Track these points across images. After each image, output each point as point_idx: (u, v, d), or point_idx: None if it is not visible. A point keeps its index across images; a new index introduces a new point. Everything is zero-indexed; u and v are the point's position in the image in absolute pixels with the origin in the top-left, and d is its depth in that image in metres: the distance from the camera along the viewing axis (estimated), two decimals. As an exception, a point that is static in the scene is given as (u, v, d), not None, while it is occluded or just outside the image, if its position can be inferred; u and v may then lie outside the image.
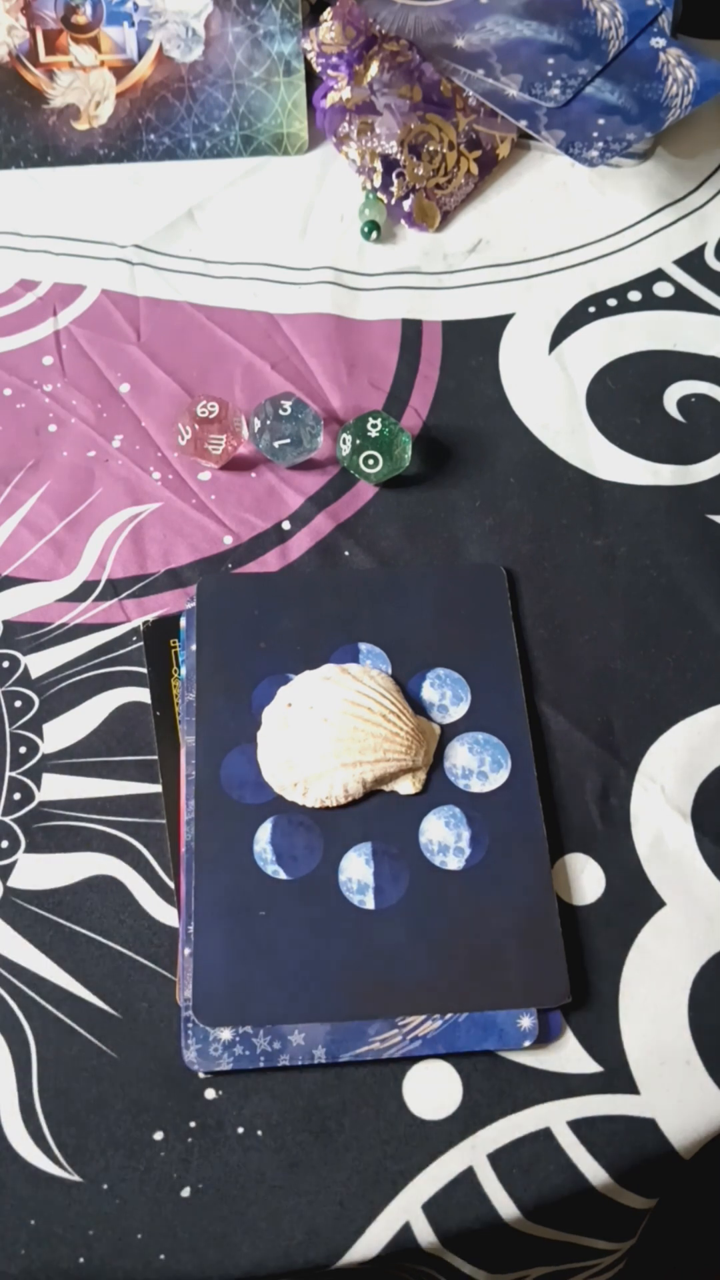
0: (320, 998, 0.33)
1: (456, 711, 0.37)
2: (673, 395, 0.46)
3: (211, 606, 0.40)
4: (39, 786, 0.37)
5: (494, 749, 0.37)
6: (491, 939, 0.34)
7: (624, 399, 0.46)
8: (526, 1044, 0.32)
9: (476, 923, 0.34)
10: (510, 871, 0.35)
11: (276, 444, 0.43)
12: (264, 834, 0.36)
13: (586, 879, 0.35)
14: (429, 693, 0.38)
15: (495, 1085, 0.32)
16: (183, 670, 0.39)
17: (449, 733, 0.37)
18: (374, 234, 0.51)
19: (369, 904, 0.34)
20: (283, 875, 0.35)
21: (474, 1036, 0.32)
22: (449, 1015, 0.33)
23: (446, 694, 0.38)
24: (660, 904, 0.35)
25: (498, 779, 0.36)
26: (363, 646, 0.39)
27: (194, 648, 0.39)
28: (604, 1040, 0.33)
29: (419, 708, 0.38)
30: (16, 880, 0.35)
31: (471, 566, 0.41)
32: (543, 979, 0.33)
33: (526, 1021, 0.33)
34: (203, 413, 0.43)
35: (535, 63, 0.52)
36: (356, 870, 0.35)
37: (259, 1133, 0.32)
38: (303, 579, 0.41)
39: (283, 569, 0.42)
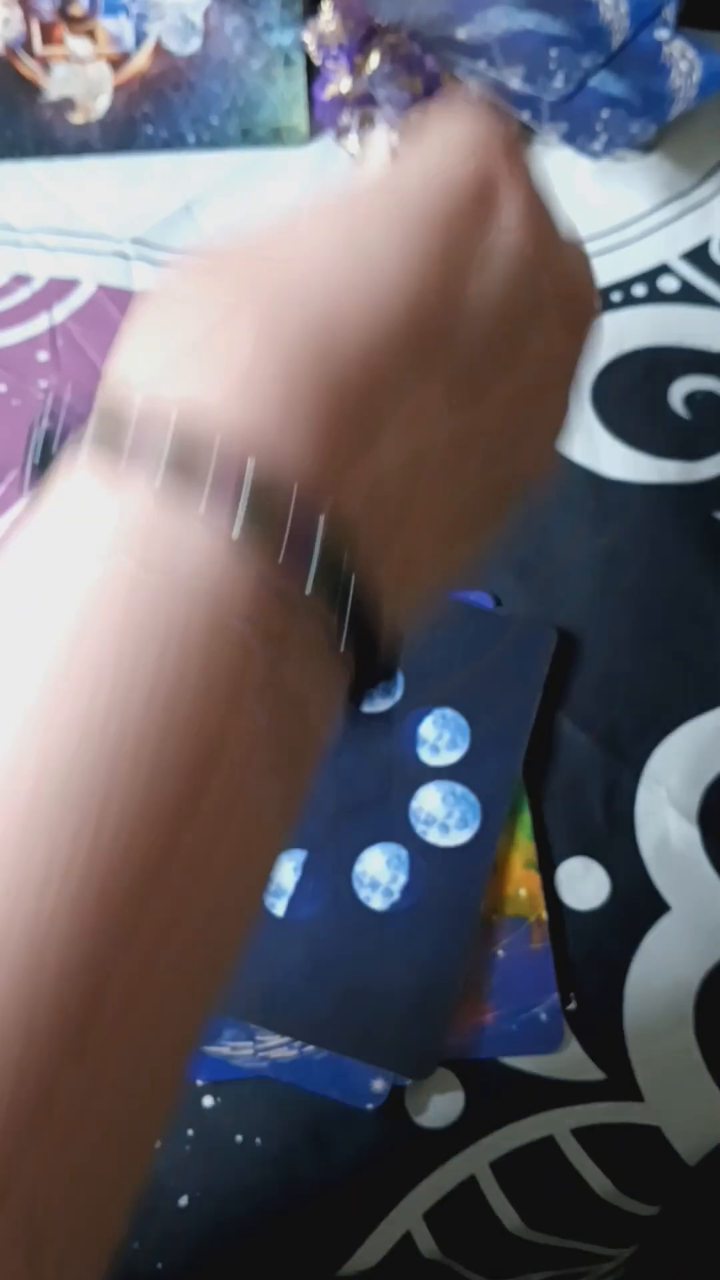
0: None
1: (447, 757, 0.36)
2: (678, 391, 0.46)
3: None
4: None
5: (467, 807, 0.36)
6: (381, 990, 0.33)
7: (629, 395, 0.46)
8: (369, 1106, 0.31)
9: (374, 968, 0.33)
10: (429, 933, 0.34)
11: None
12: None
13: (590, 883, 0.35)
14: (427, 729, 0.37)
15: (498, 1093, 0.32)
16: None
17: (430, 774, 0.36)
18: (374, 228, 0.51)
19: (278, 910, 0.34)
20: None
21: (322, 1080, 0.32)
22: (307, 1048, 0.32)
23: (445, 736, 0.37)
24: (665, 908, 0.34)
25: (459, 837, 0.35)
26: None
27: None
28: (608, 1047, 0.32)
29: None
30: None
31: (522, 620, 0.39)
32: (412, 1048, 0.32)
33: (379, 1085, 0.32)
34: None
35: (538, 55, 0.52)
36: (281, 874, 0.34)
37: (258, 1140, 0.31)
38: None
39: None
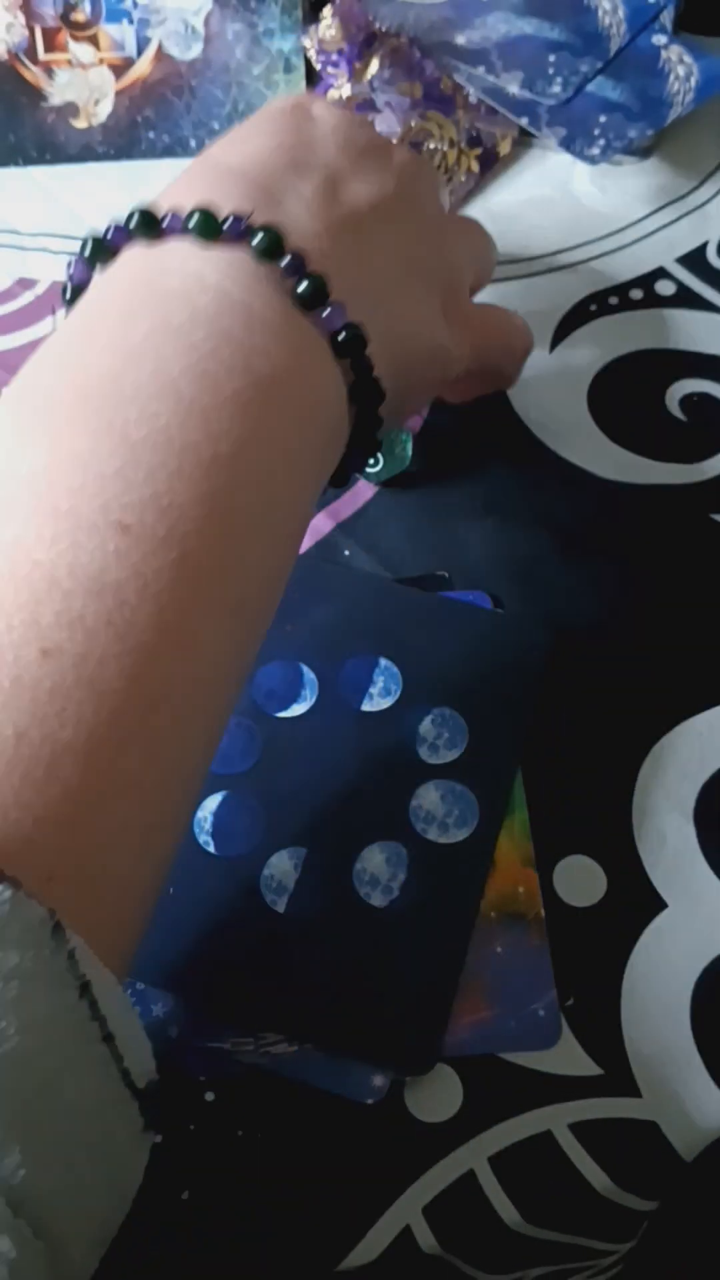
0: (190, 974, 0.33)
1: (446, 755, 0.37)
2: (675, 394, 0.46)
3: None
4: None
5: (466, 805, 0.36)
6: (381, 987, 0.33)
7: (626, 398, 0.46)
8: (369, 1101, 0.32)
9: (374, 965, 0.33)
10: (428, 930, 0.34)
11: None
12: (212, 803, 0.35)
13: (587, 880, 0.35)
14: (427, 728, 0.37)
15: (496, 1088, 0.32)
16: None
17: (429, 773, 0.36)
18: (374, 232, 0.51)
19: (279, 906, 0.34)
20: (211, 849, 0.35)
21: (323, 1076, 0.32)
22: (307, 1044, 0.32)
23: (444, 736, 0.37)
24: (662, 905, 0.35)
25: (458, 835, 0.35)
26: (382, 662, 0.38)
27: None
28: (605, 1043, 0.33)
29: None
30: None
31: (522, 620, 0.40)
32: (412, 1045, 0.32)
33: (379, 1080, 0.32)
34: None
35: (536, 59, 0.52)
36: (282, 870, 0.35)
37: (259, 1135, 0.32)
38: (355, 579, 0.40)
39: (330, 561, 0.41)
